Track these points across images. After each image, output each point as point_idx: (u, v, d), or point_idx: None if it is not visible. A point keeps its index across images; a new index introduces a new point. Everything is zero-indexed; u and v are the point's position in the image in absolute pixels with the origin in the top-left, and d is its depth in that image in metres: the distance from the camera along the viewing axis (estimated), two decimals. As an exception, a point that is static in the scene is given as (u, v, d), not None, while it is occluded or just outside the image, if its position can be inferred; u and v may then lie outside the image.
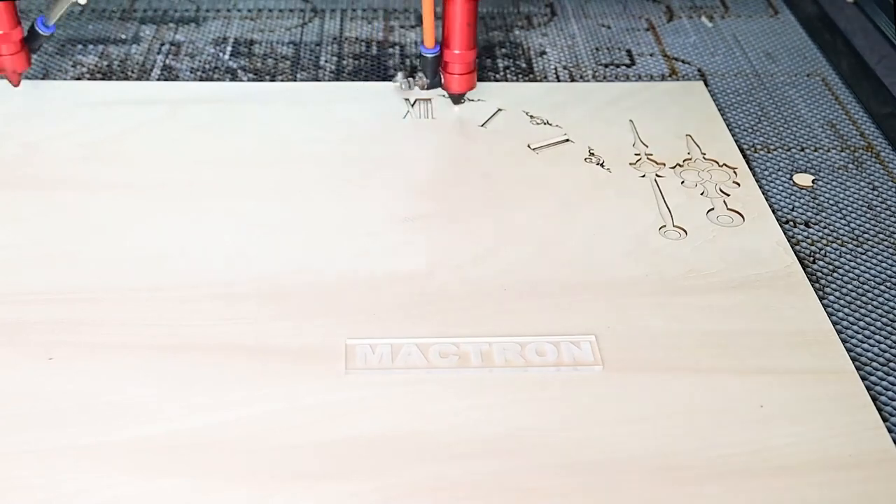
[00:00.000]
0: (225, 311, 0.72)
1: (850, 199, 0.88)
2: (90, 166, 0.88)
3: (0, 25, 0.88)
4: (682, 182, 0.87)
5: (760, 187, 0.88)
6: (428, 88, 0.91)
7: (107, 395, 0.65)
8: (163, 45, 1.09)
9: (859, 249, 0.81)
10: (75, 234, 0.79)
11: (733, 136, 0.95)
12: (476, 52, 0.91)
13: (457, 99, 0.93)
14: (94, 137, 0.91)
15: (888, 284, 0.78)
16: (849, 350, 0.71)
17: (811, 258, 0.80)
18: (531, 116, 0.97)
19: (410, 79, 0.91)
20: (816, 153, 0.94)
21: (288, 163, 0.89)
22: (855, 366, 0.69)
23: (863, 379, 0.68)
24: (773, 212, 0.85)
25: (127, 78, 1.03)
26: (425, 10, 0.85)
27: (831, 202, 0.87)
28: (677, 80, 1.05)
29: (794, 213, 0.85)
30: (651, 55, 1.10)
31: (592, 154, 0.91)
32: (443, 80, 0.91)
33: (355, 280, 0.75)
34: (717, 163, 0.90)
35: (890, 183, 0.90)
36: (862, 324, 0.74)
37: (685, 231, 0.81)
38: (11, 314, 0.71)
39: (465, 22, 0.87)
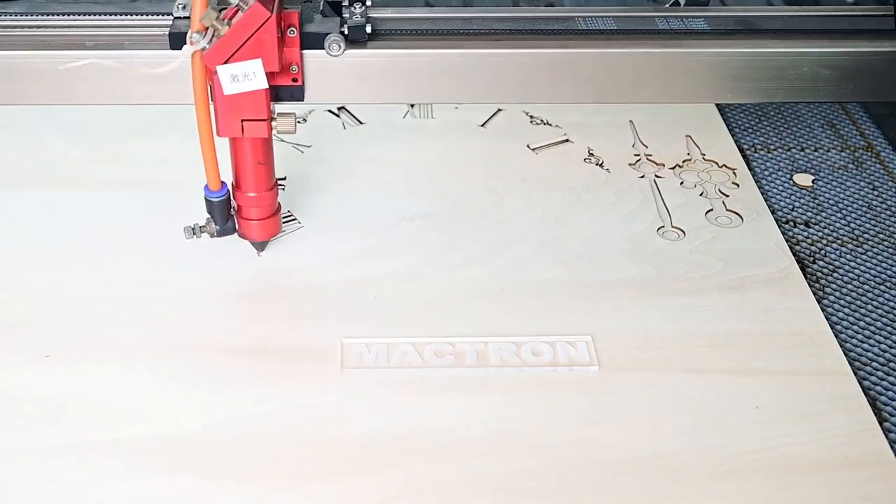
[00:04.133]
0: (223, 310, 0.72)
1: (850, 199, 0.87)
2: (90, 166, 0.88)
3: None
4: (682, 183, 0.87)
5: (760, 187, 0.87)
6: (219, 235, 0.74)
7: (103, 393, 0.65)
8: (164, 45, 1.09)
9: (859, 249, 0.81)
10: (74, 234, 0.79)
11: (733, 136, 0.94)
12: (276, 193, 0.75)
13: (260, 246, 0.77)
14: (95, 137, 0.92)
15: (888, 284, 0.77)
16: (849, 350, 0.71)
17: (811, 258, 0.80)
18: (531, 116, 0.97)
19: (196, 226, 0.74)
20: (816, 153, 0.93)
21: (286, 161, 0.89)
22: (855, 366, 0.69)
23: (862, 379, 0.68)
24: (773, 212, 0.84)
25: (128, 78, 1.03)
26: (204, 148, 0.69)
27: (831, 202, 0.87)
28: (678, 80, 1.05)
29: (794, 213, 0.85)
30: (652, 55, 1.09)
31: (592, 154, 0.91)
32: (238, 227, 0.75)
33: (353, 279, 0.75)
34: (716, 163, 0.90)
35: (890, 183, 0.89)
36: (862, 324, 0.73)
37: (683, 232, 0.81)
38: (9, 313, 0.71)
39: (255, 160, 0.72)
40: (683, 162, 0.90)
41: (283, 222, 0.81)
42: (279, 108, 0.69)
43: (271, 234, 0.76)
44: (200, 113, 0.66)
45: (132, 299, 0.73)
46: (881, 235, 0.83)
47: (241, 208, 0.74)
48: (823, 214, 0.85)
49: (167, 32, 0.68)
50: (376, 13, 0.71)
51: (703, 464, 0.61)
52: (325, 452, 0.61)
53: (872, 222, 0.84)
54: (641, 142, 0.93)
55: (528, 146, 0.92)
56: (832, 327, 0.72)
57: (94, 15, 0.72)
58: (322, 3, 0.71)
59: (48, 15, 0.72)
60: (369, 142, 0.92)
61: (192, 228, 0.74)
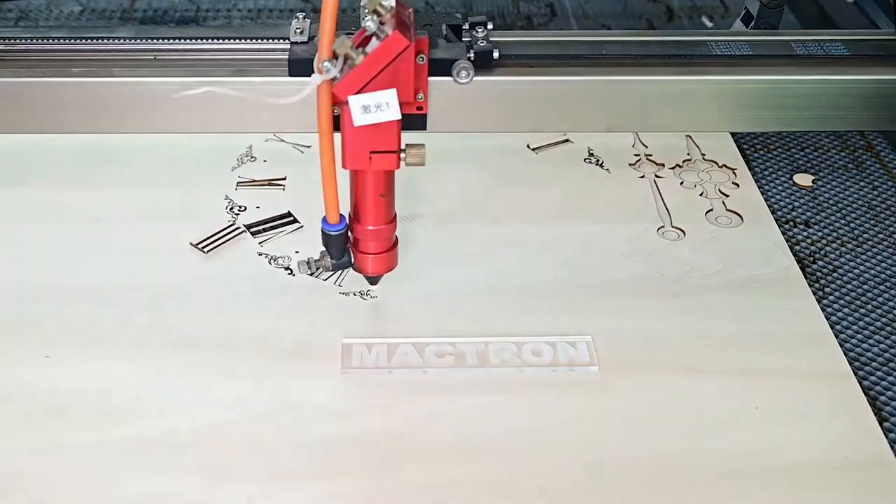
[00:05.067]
0: (222, 310, 0.72)
1: (850, 199, 0.87)
2: (90, 165, 0.88)
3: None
4: (682, 183, 0.87)
5: (760, 187, 0.87)
6: (334, 270, 0.70)
7: (102, 393, 0.65)
8: (163, 45, 1.08)
9: (859, 249, 0.81)
10: (74, 233, 0.79)
11: (733, 135, 0.94)
12: (395, 226, 0.69)
13: (373, 281, 0.73)
14: (95, 136, 0.91)
15: (888, 284, 0.77)
16: (849, 350, 0.71)
17: (811, 258, 0.80)
18: (531, 116, 0.96)
19: (311, 260, 0.70)
20: (816, 153, 0.94)
21: (286, 161, 0.89)
22: (855, 366, 0.69)
23: (863, 379, 0.68)
24: (773, 212, 0.85)
25: (127, 78, 1.02)
26: (325, 180, 0.64)
27: (831, 202, 0.87)
28: (678, 80, 1.05)
29: (794, 213, 0.85)
30: (652, 55, 1.09)
31: (592, 154, 0.91)
32: (354, 260, 0.70)
33: (352, 279, 0.75)
34: (716, 163, 0.90)
35: (890, 183, 0.90)
36: (862, 324, 0.73)
37: (683, 232, 0.81)
38: (8, 312, 0.71)
39: (377, 192, 0.67)
40: (683, 162, 0.90)
41: (283, 223, 0.81)
42: (406, 137, 0.65)
43: (388, 269, 0.71)
44: (324, 144, 0.62)
45: (132, 299, 0.73)
46: (881, 235, 0.83)
47: (359, 241, 0.69)
48: (823, 214, 0.85)
49: (287, 59, 0.65)
50: (499, 37, 0.69)
51: (703, 464, 0.61)
52: (325, 452, 0.61)
53: (872, 222, 0.84)
54: (641, 142, 0.93)
55: (528, 146, 0.92)
56: (832, 327, 0.72)
57: (205, 40, 0.68)
58: (444, 26, 0.68)
59: (158, 39, 0.68)
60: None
61: (307, 263, 0.70)
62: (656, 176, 0.88)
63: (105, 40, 0.69)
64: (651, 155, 0.91)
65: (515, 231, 0.81)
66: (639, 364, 0.68)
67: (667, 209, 0.84)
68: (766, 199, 0.86)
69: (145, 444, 0.61)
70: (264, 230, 0.80)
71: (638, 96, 0.69)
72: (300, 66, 0.64)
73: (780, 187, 0.89)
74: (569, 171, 0.89)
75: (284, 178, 0.86)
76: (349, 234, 0.69)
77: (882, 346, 0.71)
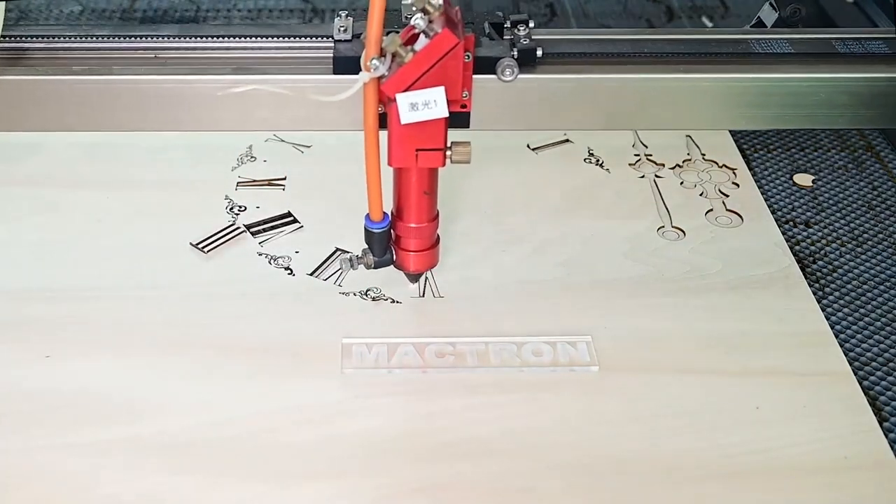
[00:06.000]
0: (222, 310, 0.72)
1: (850, 199, 0.87)
2: (90, 164, 0.88)
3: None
4: (682, 183, 0.87)
5: (760, 187, 0.87)
6: (376, 267, 0.70)
7: (102, 393, 0.65)
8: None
9: (859, 249, 0.81)
10: (74, 233, 0.79)
11: (733, 135, 0.94)
12: (437, 224, 0.70)
13: (413, 278, 0.73)
14: (95, 136, 0.91)
15: (888, 284, 0.77)
16: (848, 350, 0.71)
17: (811, 258, 0.80)
18: (531, 116, 0.96)
19: (353, 257, 0.69)
20: (816, 153, 0.94)
21: (286, 161, 0.89)
22: (855, 366, 0.69)
23: (863, 379, 0.68)
24: (773, 212, 0.85)
25: (127, 78, 1.02)
26: (370, 178, 0.64)
27: (831, 202, 0.87)
28: (678, 80, 1.05)
29: (794, 213, 0.85)
30: (652, 55, 1.09)
31: (592, 154, 0.91)
32: (395, 258, 0.70)
33: (352, 279, 0.75)
34: (716, 163, 0.90)
35: (890, 183, 0.90)
36: (861, 324, 0.73)
37: (683, 232, 0.81)
38: (9, 312, 0.71)
39: (421, 190, 0.67)
40: (683, 162, 0.90)
41: (283, 223, 0.81)
42: (451, 135, 0.65)
43: (430, 266, 0.71)
44: (369, 141, 0.62)
45: (132, 299, 0.73)
46: (881, 235, 0.83)
47: (401, 239, 0.69)
48: (823, 214, 0.85)
49: (332, 56, 0.66)
50: (540, 35, 0.69)
51: (703, 464, 0.61)
52: (325, 452, 0.61)
53: (872, 222, 0.85)
54: (641, 142, 0.93)
55: (528, 146, 0.92)
56: (832, 327, 0.72)
57: (249, 38, 0.69)
58: (486, 24, 0.69)
59: (202, 38, 0.69)
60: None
61: (350, 260, 0.69)
62: (656, 176, 0.88)
63: (151, 39, 0.69)
64: (651, 155, 0.91)
65: (515, 231, 0.81)
66: (639, 364, 0.68)
67: (667, 209, 0.84)
68: (766, 199, 0.86)
69: (144, 444, 0.61)
70: (264, 230, 0.81)
71: (679, 94, 0.69)
72: (346, 64, 0.65)
73: (780, 187, 0.89)
74: (569, 171, 0.89)
75: (284, 178, 0.86)
76: (391, 231, 0.69)
77: (882, 346, 0.71)
